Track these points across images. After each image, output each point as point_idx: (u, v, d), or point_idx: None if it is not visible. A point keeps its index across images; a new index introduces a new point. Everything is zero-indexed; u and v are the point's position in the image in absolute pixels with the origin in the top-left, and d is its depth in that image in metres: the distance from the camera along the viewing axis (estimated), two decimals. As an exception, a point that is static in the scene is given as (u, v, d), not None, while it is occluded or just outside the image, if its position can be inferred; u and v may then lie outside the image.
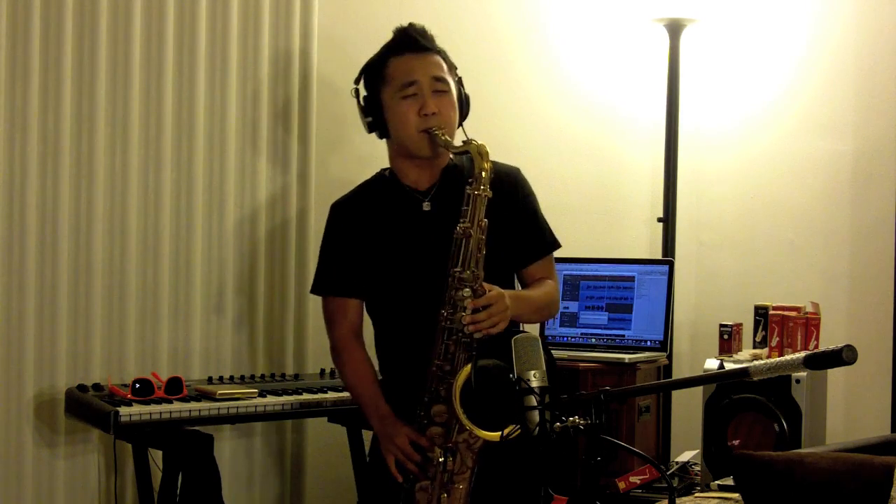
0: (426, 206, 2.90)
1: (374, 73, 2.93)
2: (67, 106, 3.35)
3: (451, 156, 2.91)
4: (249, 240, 3.76)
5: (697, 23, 3.99)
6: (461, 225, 2.71)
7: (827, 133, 3.94)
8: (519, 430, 2.42)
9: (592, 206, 4.24)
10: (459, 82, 2.95)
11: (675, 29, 3.96)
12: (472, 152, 2.74)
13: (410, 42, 2.90)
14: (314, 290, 3.03)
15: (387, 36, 2.97)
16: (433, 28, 2.97)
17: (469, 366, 2.57)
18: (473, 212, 2.70)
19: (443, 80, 2.87)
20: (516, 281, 3.00)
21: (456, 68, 2.96)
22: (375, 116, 2.93)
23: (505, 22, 4.23)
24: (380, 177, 3.00)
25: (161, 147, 3.54)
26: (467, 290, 2.69)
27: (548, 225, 3.01)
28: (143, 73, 3.50)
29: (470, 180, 2.73)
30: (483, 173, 2.70)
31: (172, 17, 3.55)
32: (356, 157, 3.91)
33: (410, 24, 2.94)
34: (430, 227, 2.82)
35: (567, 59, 4.27)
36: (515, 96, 4.18)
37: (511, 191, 2.92)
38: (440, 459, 2.68)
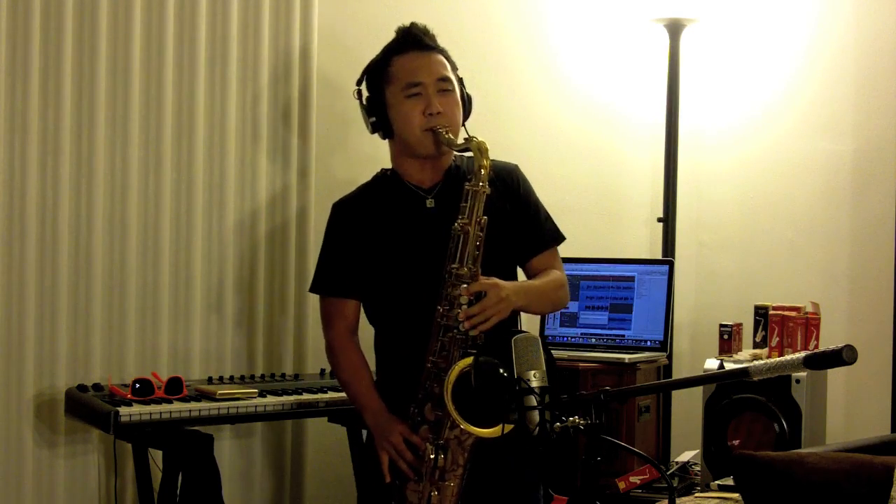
0: (430, 204, 2.89)
1: (378, 72, 2.92)
2: (67, 106, 3.35)
3: (454, 156, 2.92)
4: (249, 240, 3.76)
5: (697, 23, 3.99)
6: (459, 221, 2.71)
7: (827, 133, 3.94)
8: (511, 427, 2.44)
9: (592, 206, 4.24)
10: (461, 82, 2.95)
11: (675, 29, 3.96)
12: (472, 149, 2.74)
13: (414, 41, 2.89)
14: (313, 289, 3.02)
15: (387, 34, 2.97)
16: (433, 28, 2.97)
17: (461, 363, 2.58)
18: (472, 208, 2.71)
19: (447, 80, 2.87)
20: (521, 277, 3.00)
21: (457, 68, 2.95)
22: (379, 116, 2.92)
23: (505, 22, 4.23)
24: (381, 176, 2.99)
25: (161, 147, 3.54)
26: (464, 286, 2.69)
27: (551, 219, 3.00)
28: (143, 73, 3.50)
29: (469, 177, 2.74)
30: (482, 170, 2.71)
31: (172, 17, 3.55)
32: (357, 156, 3.92)
33: (413, 24, 2.93)
34: (434, 226, 2.81)
35: (567, 59, 4.27)
36: (515, 96, 4.18)
37: (510, 186, 2.92)
38: (431, 456, 2.68)
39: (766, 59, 4.05)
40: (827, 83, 3.95)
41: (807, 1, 3.98)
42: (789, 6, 4.01)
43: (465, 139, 2.78)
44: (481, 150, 2.72)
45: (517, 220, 2.91)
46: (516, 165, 2.99)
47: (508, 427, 2.43)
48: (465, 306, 2.67)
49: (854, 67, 3.90)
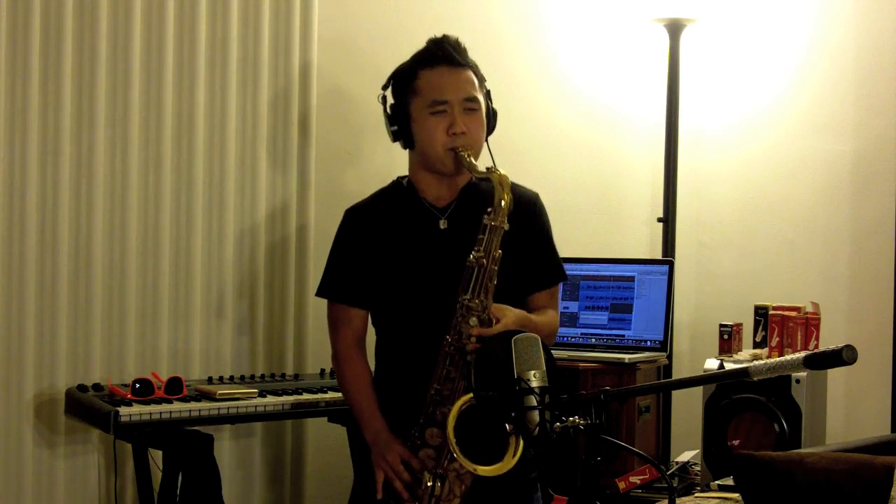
0: (443, 225, 2.87)
1: (404, 82, 2.87)
2: (67, 106, 3.35)
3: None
4: (250, 239, 3.76)
5: (697, 23, 3.99)
6: (475, 254, 2.68)
7: (827, 133, 3.94)
8: (512, 466, 2.48)
9: (592, 206, 4.24)
10: (488, 96, 2.90)
11: (675, 29, 3.96)
12: (493, 181, 2.70)
13: (444, 56, 2.84)
14: (320, 293, 2.99)
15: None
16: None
17: (463, 398, 2.56)
18: (489, 242, 2.68)
19: (474, 100, 2.83)
20: None
21: (485, 80, 2.91)
22: (401, 126, 2.88)
23: (505, 23, 4.23)
24: (397, 186, 2.96)
25: (161, 148, 3.54)
26: (474, 318, 2.66)
27: (558, 256, 2.99)
28: (143, 73, 3.50)
29: (489, 210, 2.69)
30: (503, 203, 2.67)
31: (172, 17, 3.55)
32: (358, 160, 3.92)
33: (445, 37, 2.87)
34: (445, 246, 2.80)
35: (567, 60, 4.27)
36: (515, 96, 4.17)
37: (528, 217, 2.89)
38: (429, 484, 2.67)
39: (766, 59, 4.05)
40: (827, 83, 3.95)
41: (807, 1, 3.98)
42: (789, 6, 4.01)
43: (487, 169, 2.73)
44: (503, 184, 2.68)
45: (529, 251, 2.89)
46: (537, 195, 2.96)
47: (510, 465, 2.45)
48: (473, 337, 2.66)
49: (854, 67, 3.90)
